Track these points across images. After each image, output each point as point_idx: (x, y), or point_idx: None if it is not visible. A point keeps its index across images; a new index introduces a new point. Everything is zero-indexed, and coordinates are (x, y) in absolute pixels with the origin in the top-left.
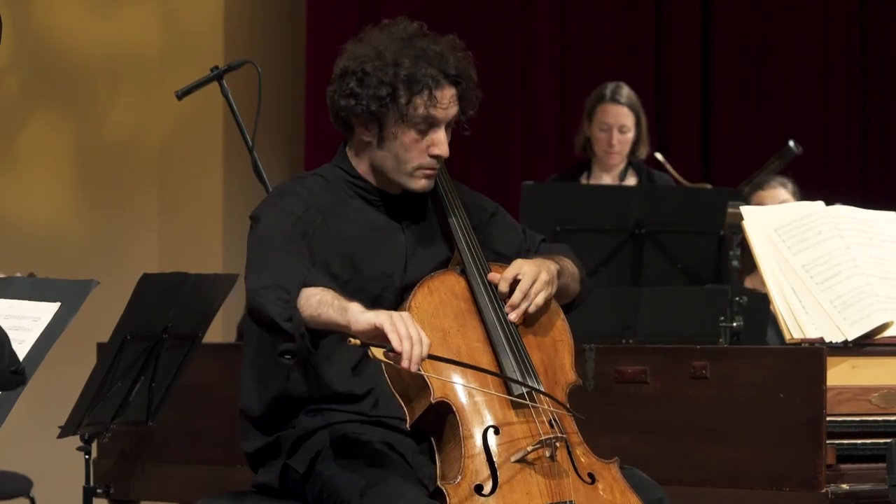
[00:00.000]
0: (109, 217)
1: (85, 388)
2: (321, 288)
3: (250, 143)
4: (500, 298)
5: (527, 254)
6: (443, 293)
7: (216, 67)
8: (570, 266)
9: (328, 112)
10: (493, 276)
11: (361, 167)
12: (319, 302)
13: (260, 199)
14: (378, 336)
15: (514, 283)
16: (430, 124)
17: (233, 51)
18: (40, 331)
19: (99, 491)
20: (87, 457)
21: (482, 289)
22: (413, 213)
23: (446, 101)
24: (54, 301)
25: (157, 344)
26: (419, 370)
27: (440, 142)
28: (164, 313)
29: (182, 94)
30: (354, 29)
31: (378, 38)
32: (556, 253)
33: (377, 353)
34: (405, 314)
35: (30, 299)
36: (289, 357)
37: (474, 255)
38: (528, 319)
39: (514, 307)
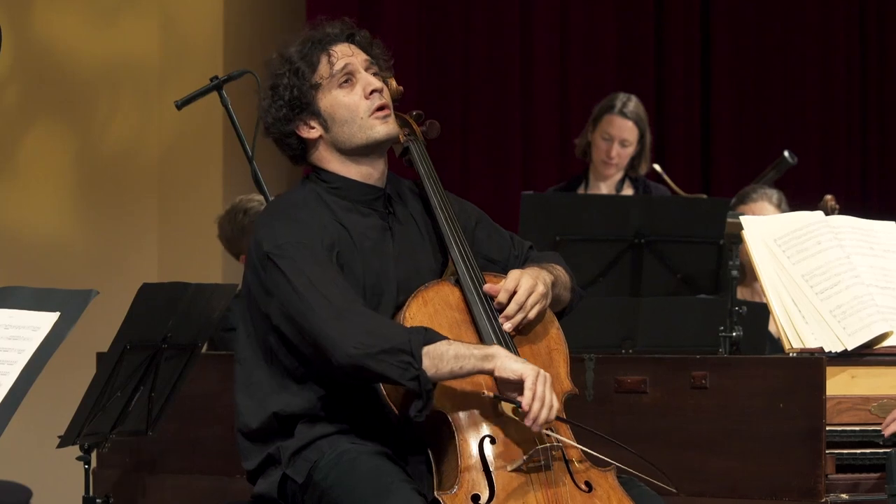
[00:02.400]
0: (109, 227)
1: (84, 398)
2: (445, 342)
3: (250, 152)
4: (495, 308)
5: (516, 259)
6: (437, 303)
7: (216, 77)
8: (563, 275)
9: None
10: (492, 287)
11: (333, 164)
12: (457, 357)
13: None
14: (512, 384)
15: (513, 294)
16: (348, 74)
17: (232, 61)
18: (40, 340)
19: (98, 501)
20: (86, 466)
21: (476, 299)
22: (399, 207)
23: (348, 51)
24: (54, 311)
25: (156, 354)
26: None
27: (369, 81)
28: (163, 323)
29: (181, 104)
30: None
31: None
32: (547, 261)
33: (507, 407)
34: (549, 376)
35: (29, 309)
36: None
37: (468, 264)
38: (523, 329)
39: (508, 318)
